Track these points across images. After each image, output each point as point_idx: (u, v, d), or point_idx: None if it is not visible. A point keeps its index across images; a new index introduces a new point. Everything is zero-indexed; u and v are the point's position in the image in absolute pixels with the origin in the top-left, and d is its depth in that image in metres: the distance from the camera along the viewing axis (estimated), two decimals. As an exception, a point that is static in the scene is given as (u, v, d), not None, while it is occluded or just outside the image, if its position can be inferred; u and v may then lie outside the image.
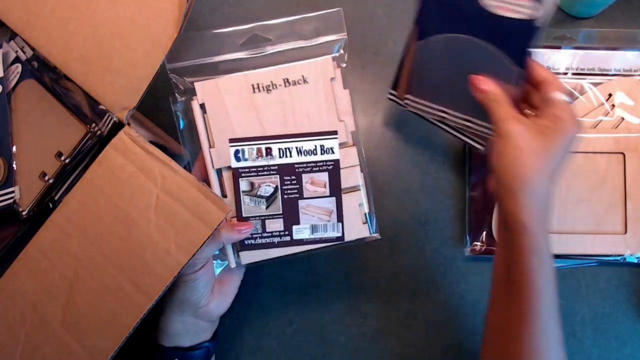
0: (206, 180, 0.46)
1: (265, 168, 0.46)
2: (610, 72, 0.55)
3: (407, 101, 0.50)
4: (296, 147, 0.46)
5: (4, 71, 0.47)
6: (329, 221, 0.47)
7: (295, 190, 0.46)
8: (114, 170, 0.40)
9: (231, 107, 0.46)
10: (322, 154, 0.46)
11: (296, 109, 0.46)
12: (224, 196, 0.47)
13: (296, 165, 0.46)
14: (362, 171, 0.47)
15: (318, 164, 0.46)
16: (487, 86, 0.42)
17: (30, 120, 0.47)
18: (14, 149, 0.46)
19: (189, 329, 0.46)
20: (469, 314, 0.56)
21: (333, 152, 0.46)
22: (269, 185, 0.46)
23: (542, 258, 0.39)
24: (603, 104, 0.55)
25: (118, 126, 0.42)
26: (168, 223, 0.39)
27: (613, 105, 0.54)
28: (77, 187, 0.41)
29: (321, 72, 0.46)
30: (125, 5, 0.41)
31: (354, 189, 0.47)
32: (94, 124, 0.46)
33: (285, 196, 0.46)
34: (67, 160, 0.46)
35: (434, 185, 0.57)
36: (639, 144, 0.53)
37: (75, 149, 0.46)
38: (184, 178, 0.39)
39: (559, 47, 0.55)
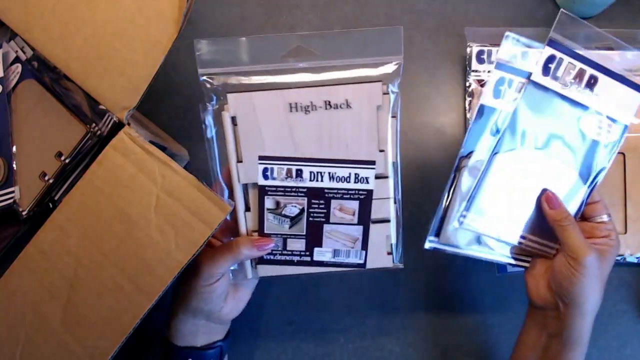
0: (230, 191, 0.45)
1: (294, 189, 0.44)
2: (610, 72, 0.55)
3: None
4: (329, 173, 0.44)
5: (4, 71, 0.47)
6: (352, 247, 0.46)
7: (322, 215, 0.45)
8: (114, 170, 0.40)
9: (264, 124, 0.43)
10: (355, 182, 0.44)
11: (334, 134, 0.43)
12: (248, 209, 0.46)
13: (326, 190, 0.44)
14: (395, 203, 0.45)
15: (350, 192, 0.44)
16: (559, 207, 0.44)
17: (30, 120, 0.47)
18: (14, 149, 0.46)
19: (201, 330, 0.46)
20: (469, 314, 0.56)
21: (367, 182, 0.44)
22: (295, 206, 0.45)
23: None
24: (603, 104, 0.54)
25: (118, 126, 0.42)
26: (168, 223, 0.39)
27: (613, 106, 0.54)
28: (77, 187, 0.41)
29: (367, 98, 0.43)
30: (125, 5, 0.41)
31: (384, 220, 0.46)
32: (94, 124, 0.46)
33: (311, 219, 0.45)
34: (67, 160, 0.46)
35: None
36: (639, 144, 0.53)
37: (75, 149, 0.46)
38: (184, 178, 0.39)
39: (559, 47, 0.55)
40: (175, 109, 0.60)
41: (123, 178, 0.40)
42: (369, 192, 0.44)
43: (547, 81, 0.44)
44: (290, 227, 0.45)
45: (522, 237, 0.46)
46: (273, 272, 0.46)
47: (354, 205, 0.45)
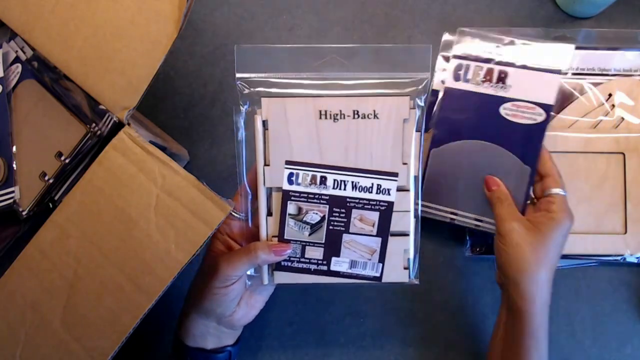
0: (255, 194, 0.46)
1: (317, 196, 0.45)
2: (610, 72, 0.55)
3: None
4: (352, 182, 0.44)
5: (4, 71, 0.47)
6: (369, 259, 0.46)
7: (342, 224, 0.45)
8: (114, 170, 0.40)
9: (293, 129, 0.44)
10: (377, 193, 0.44)
11: (360, 143, 0.44)
12: (270, 214, 0.46)
13: (348, 199, 0.45)
14: (415, 217, 0.46)
15: (371, 203, 0.45)
16: (496, 186, 0.48)
17: (30, 120, 0.47)
18: (14, 149, 0.46)
19: (211, 332, 0.46)
20: (469, 314, 0.56)
21: (389, 194, 0.44)
22: (317, 213, 0.45)
23: (538, 339, 0.44)
24: (603, 104, 0.55)
25: (118, 126, 0.42)
26: (168, 223, 0.39)
27: (613, 105, 0.54)
28: (77, 187, 0.41)
29: (395, 110, 0.44)
30: (125, 5, 0.41)
31: (403, 233, 0.46)
32: (94, 124, 0.46)
33: (331, 227, 0.45)
34: (67, 160, 0.46)
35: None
36: (639, 144, 0.53)
37: (75, 149, 0.46)
38: (183, 178, 0.39)
39: (559, 47, 0.55)
40: (175, 109, 0.60)
41: (123, 178, 0.40)
42: (390, 204, 0.45)
43: (460, 84, 0.52)
44: (310, 234, 0.45)
45: (477, 220, 0.51)
46: (289, 279, 0.46)
47: (374, 216, 0.45)
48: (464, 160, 0.51)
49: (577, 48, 0.55)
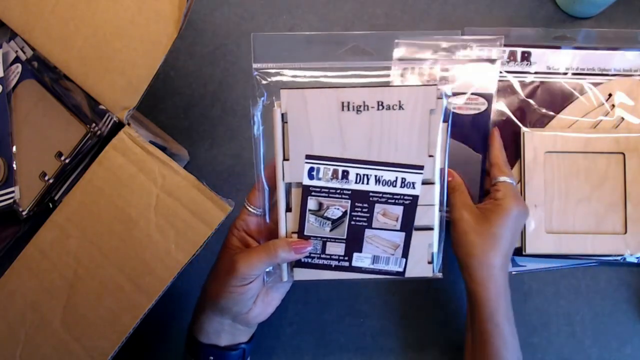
0: (272, 189, 0.44)
1: (338, 191, 0.43)
2: (610, 72, 0.55)
3: None
4: (375, 175, 0.43)
5: (4, 71, 0.47)
6: (392, 254, 0.45)
7: (365, 219, 0.44)
8: (114, 170, 0.40)
9: (314, 122, 0.42)
10: (401, 187, 0.43)
11: (384, 135, 0.42)
12: (289, 210, 0.44)
13: (371, 194, 0.43)
14: (440, 210, 0.45)
15: (395, 197, 0.43)
16: (451, 177, 0.48)
17: (30, 120, 0.47)
18: (14, 149, 0.46)
19: (226, 329, 0.45)
20: (469, 314, 0.56)
21: (414, 188, 0.43)
22: (338, 209, 0.44)
23: (498, 325, 0.45)
24: (603, 104, 0.55)
25: (118, 126, 0.42)
26: (168, 223, 0.39)
27: (613, 105, 0.54)
28: (77, 187, 0.41)
29: (422, 100, 0.42)
30: (125, 5, 0.41)
31: (427, 227, 0.45)
32: (94, 124, 0.46)
33: (353, 222, 0.44)
34: (67, 160, 0.46)
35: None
36: (639, 144, 0.53)
37: (75, 149, 0.46)
38: (183, 178, 0.39)
39: (559, 47, 0.55)
40: (175, 109, 0.60)
41: (123, 178, 0.40)
42: (415, 198, 0.43)
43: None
44: (331, 230, 0.44)
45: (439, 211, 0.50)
46: (309, 276, 0.45)
47: (398, 210, 0.44)
48: None
49: (577, 48, 0.55)
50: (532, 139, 0.53)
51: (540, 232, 0.53)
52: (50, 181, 0.46)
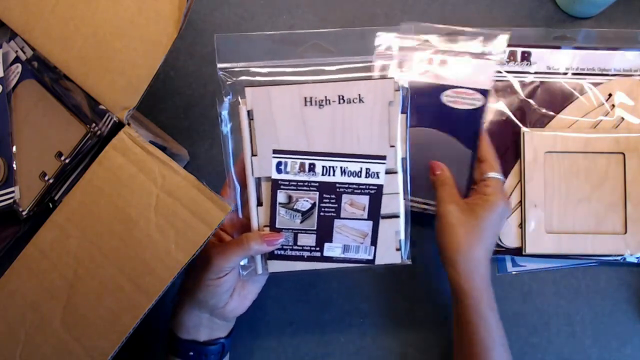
0: (243, 185, 0.46)
1: (306, 183, 0.45)
2: (610, 72, 0.55)
3: None
4: (340, 167, 0.45)
5: (4, 71, 0.47)
6: (362, 243, 0.46)
7: (333, 210, 0.45)
8: (114, 170, 0.40)
9: (279, 118, 0.44)
10: (366, 177, 0.45)
11: (347, 128, 0.44)
12: (260, 204, 0.46)
13: (337, 185, 0.45)
14: (404, 199, 0.46)
15: (360, 187, 0.45)
16: (439, 170, 0.49)
17: (30, 120, 0.47)
18: (14, 149, 0.46)
19: (204, 324, 0.46)
20: (469, 314, 0.56)
21: (378, 177, 0.45)
22: (307, 201, 0.45)
23: (484, 317, 0.46)
24: (603, 104, 0.55)
25: (118, 126, 0.42)
26: (168, 223, 0.39)
27: (613, 105, 0.54)
28: (77, 187, 0.41)
29: (380, 93, 0.44)
30: (125, 5, 0.41)
31: (393, 215, 0.46)
32: (94, 124, 0.46)
33: (322, 213, 0.45)
34: (67, 160, 0.46)
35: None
36: (639, 144, 0.53)
37: (75, 149, 0.46)
38: (183, 178, 0.39)
39: (559, 47, 0.55)
40: (175, 109, 0.60)
41: (123, 178, 0.40)
42: (379, 187, 0.45)
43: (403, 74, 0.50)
44: (301, 222, 0.46)
45: (426, 204, 0.53)
46: (283, 267, 0.47)
47: (364, 200, 0.45)
48: (415, 148, 0.50)
49: (577, 48, 0.55)
50: (532, 139, 0.53)
51: (540, 232, 0.53)
52: (50, 181, 0.46)
